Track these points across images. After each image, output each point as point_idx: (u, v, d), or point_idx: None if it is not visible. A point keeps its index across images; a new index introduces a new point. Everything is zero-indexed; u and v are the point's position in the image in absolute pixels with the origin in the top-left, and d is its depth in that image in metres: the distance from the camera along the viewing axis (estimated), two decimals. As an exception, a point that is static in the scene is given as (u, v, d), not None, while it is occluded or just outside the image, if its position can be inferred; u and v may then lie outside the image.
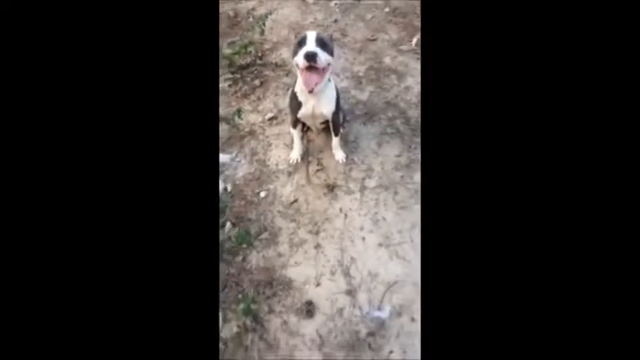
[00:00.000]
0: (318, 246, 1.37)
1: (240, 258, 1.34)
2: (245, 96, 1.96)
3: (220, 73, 2.02)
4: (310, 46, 1.24)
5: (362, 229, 1.41)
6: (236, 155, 1.68)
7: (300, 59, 1.25)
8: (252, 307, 1.17)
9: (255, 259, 1.34)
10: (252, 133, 1.78)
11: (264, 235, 1.40)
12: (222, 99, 1.94)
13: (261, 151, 1.71)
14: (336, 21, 2.44)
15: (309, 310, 1.20)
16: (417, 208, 1.46)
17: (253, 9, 2.61)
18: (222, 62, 2.05)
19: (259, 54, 2.22)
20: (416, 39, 2.23)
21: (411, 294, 1.23)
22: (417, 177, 1.56)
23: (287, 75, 2.07)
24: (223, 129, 1.77)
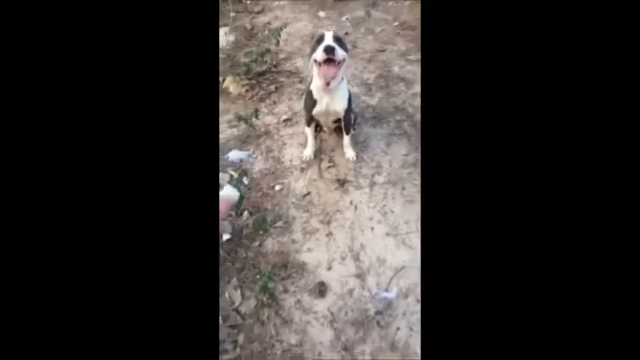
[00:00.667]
0: (329, 234, 1.46)
1: (257, 243, 1.43)
2: (261, 100, 2.09)
3: (238, 79, 2.16)
4: (328, 41, 1.39)
5: (371, 219, 1.50)
6: (253, 152, 1.79)
7: (319, 53, 1.39)
8: (269, 285, 1.25)
9: (270, 244, 1.43)
10: (267, 133, 1.90)
11: (279, 224, 1.50)
12: (239, 102, 2.07)
13: (276, 149, 1.82)
14: (347, 34, 2.58)
15: (321, 290, 1.28)
16: (423, 201, 1.55)
17: (269, 22, 2.78)
18: (240, 69, 2.19)
19: (275, 62, 2.37)
20: (423, 50, 2.36)
21: (416, 278, 1.31)
22: (423, 174, 1.66)
23: (300, 82, 2.20)
24: (241, 128, 1.89)
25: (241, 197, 1.51)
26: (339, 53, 1.41)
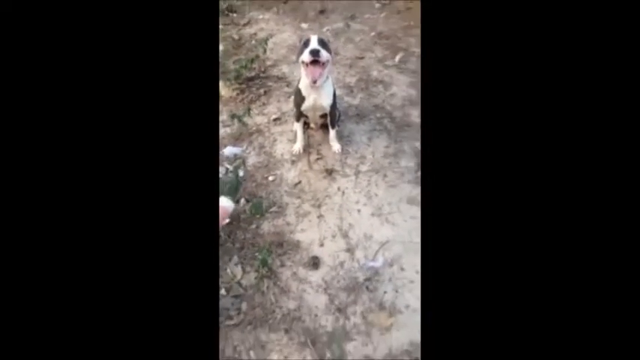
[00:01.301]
0: (320, 216, 1.60)
1: (254, 226, 1.56)
2: (252, 102, 2.24)
3: (229, 83, 2.31)
4: (314, 45, 1.57)
5: (357, 202, 1.66)
6: (246, 148, 1.93)
7: (306, 56, 1.57)
8: (268, 259, 1.38)
9: (267, 226, 1.57)
10: (259, 131, 2.04)
11: (274, 209, 1.63)
12: (231, 104, 2.22)
13: (268, 145, 1.97)
14: (329, 41, 2.78)
15: (315, 263, 1.42)
16: (404, 186, 1.72)
17: (255, 34, 2.96)
18: (231, 75, 2.34)
19: (262, 69, 2.53)
20: (399, 56, 2.58)
21: (399, 250, 1.46)
22: (403, 162, 1.83)
23: (287, 85, 2.37)
24: (234, 127, 2.03)
25: (238, 183, 1.65)
26: (324, 55, 1.59)
